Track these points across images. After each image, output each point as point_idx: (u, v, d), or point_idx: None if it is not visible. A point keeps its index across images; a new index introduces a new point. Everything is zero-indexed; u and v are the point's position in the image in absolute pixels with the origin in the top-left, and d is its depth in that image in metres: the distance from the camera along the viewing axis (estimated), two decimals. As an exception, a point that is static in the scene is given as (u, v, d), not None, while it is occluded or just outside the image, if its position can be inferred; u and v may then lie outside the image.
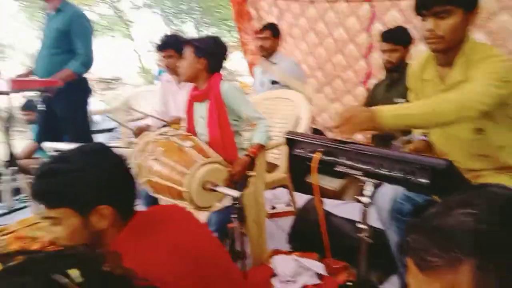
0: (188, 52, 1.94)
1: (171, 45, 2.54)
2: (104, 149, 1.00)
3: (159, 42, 2.59)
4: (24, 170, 2.71)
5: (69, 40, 2.76)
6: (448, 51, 1.31)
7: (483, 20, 2.47)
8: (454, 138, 1.40)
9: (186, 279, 0.90)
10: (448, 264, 0.48)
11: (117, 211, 0.95)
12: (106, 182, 0.94)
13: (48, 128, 2.96)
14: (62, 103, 2.79)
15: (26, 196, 2.75)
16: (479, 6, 1.27)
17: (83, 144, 1.02)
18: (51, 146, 2.10)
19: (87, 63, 2.82)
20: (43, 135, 2.95)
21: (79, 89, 2.87)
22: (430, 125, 1.28)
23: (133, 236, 0.95)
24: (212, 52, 1.94)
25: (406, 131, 1.73)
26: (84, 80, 2.93)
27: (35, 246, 2.06)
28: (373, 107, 1.18)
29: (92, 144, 1.01)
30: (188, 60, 1.94)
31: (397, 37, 2.38)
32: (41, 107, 2.87)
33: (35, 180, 0.93)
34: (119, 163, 1.00)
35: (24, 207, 2.99)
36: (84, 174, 0.91)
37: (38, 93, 2.82)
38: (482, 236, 0.47)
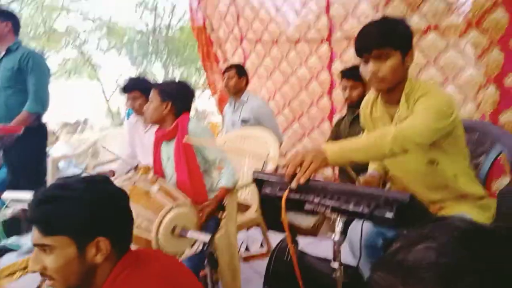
0: (153, 95, 1.95)
1: (136, 87, 2.55)
2: (106, 181, 0.99)
3: (123, 85, 2.59)
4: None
5: (22, 79, 2.67)
6: (390, 90, 1.39)
7: (432, 57, 2.65)
8: (411, 171, 1.45)
9: None
10: None
11: (113, 246, 0.93)
12: (106, 214, 0.92)
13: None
14: (17, 150, 2.65)
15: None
16: (413, 48, 1.38)
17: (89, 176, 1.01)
18: (11, 196, 2.00)
19: (42, 101, 2.70)
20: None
21: (35, 135, 2.75)
22: (374, 157, 1.33)
23: (126, 269, 0.93)
24: (177, 96, 1.94)
25: (364, 167, 1.78)
26: (42, 126, 2.83)
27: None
28: (322, 145, 1.23)
29: (95, 175, 1.01)
30: (154, 104, 1.93)
31: (356, 74, 2.46)
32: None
33: (33, 204, 0.90)
34: (120, 196, 0.98)
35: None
36: (86, 202, 0.89)
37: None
38: (445, 269, 0.48)
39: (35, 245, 0.91)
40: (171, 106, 1.93)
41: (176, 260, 1.14)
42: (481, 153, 1.68)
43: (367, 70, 1.36)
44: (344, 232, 1.16)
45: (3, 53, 2.71)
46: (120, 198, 0.98)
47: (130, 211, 1.01)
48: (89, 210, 0.89)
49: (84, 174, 1.02)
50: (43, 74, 2.75)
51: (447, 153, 1.38)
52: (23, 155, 2.70)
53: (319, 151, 1.19)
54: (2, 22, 2.67)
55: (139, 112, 2.58)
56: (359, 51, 1.36)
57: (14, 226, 2.96)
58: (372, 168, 1.67)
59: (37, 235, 0.89)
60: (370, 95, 1.57)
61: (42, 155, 2.88)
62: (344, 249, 1.21)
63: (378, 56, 1.31)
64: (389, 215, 1.03)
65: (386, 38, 1.31)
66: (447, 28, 2.56)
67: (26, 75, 2.66)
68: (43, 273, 0.91)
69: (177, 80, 2.11)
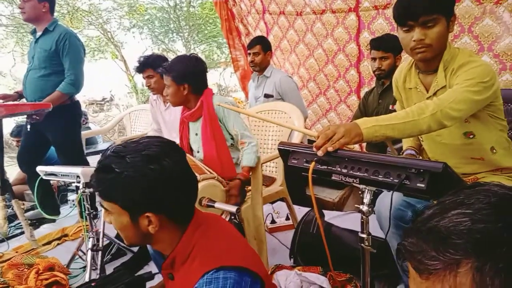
0: (168, 81, 1.92)
1: (149, 65, 2.55)
2: (164, 155, 0.94)
3: (136, 64, 2.60)
4: (17, 196, 2.68)
5: (58, 60, 2.70)
6: (433, 58, 1.33)
7: (466, 25, 2.52)
8: (446, 145, 1.40)
9: (258, 262, 1.00)
10: (447, 267, 0.47)
11: (169, 218, 0.95)
12: (157, 192, 0.92)
13: (32, 151, 2.92)
14: (53, 128, 2.75)
15: (20, 223, 2.70)
16: (455, 14, 1.32)
17: (152, 140, 0.97)
18: (44, 170, 2.07)
19: (77, 83, 2.73)
20: (25, 158, 2.92)
21: (70, 112, 2.83)
22: (410, 134, 1.29)
23: (197, 231, 0.98)
24: (190, 75, 1.90)
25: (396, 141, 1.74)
26: (76, 103, 2.89)
27: (31, 273, 2.01)
28: (355, 121, 1.18)
29: (160, 147, 0.94)
30: (172, 89, 1.92)
31: (386, 44, 2.39)
32: (27, 130, 2.79)
33: (95, 170, 0.96)
34: (174, 173, 0.94)
35: (19, 233, 2.94)
36: (136, 181, 0.90)
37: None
38: (479, 236, 0.46)
39: (101, 205, 0.98)
40: (188, 86, 1.91)
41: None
42: (520, 124, 1.60)
43: (409, 38, 1.29)
44: (372, 203, 1.15)
45: (40, 33, 2.74)
46: (173, 176, 0.94)
47: (190, 181, 1.00)
48: (140, 189, 0.90)
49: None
50: (79, 55, 2.76)
51: (484, 124, 1.32)
52: (60, 132, 2.80)
53: (353, 126, 1.15)
54: (40, 3, 2.68)
55: (156, 90, 2.60)
56: (403, 19, 1.29)
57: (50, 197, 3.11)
58: (407, 144, 1.62)
59: (99, 197, 0.97)
60: (403, 65, 1.51)
61: (77, 132, 2.97)
62: (372, 221, 1.20)
63: (424, 23, 1.26)
64: (421, 185, 1.01)
65: (434, 4, 1.25)
66: (483, -6, 2.42)
67: (62, 56, 2.69)
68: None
69: (187, 55, 2.02)
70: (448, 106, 1.18)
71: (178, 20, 11.02)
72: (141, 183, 0.90)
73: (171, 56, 10.68)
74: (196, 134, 2.01)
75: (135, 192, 0.90)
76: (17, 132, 3.83)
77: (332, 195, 3.08)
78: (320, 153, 1.13)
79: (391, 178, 1.06)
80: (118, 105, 11.28)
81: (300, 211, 2.43)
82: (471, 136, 1.34)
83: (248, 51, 3.17)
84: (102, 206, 0.97)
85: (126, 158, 0.92)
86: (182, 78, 1.89)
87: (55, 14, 2.89)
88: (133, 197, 0.91)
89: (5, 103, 2.69)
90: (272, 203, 2.68)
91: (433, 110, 1.17)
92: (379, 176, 1.08)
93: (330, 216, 2.64)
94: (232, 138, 1.99)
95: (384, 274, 1.71)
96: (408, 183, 1.02)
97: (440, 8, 1.26)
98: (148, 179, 0.90)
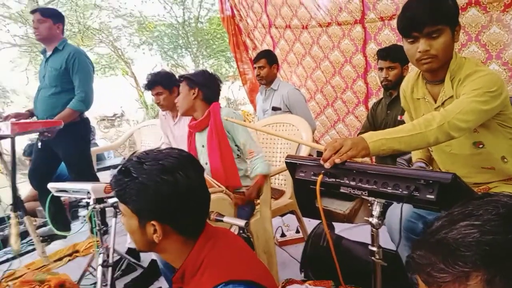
0: (182, 86, 2.01)
1: (158, 83, 2.58)
2: (181, 168, 0.95)
3: (145, 82, 2.64)
4: (29, 213, 2.71)
5: (68, 78, 2.76)
6: (439, 69, 1.32)
7: (473, 34, 2.51)
8: (456, 155, 1.38)
9: (267, 276, 1.00)
10: (456, 279, 0.46)
11: (175, 230, 0.97)
12: (166, 203, 0.93)
13: (43, 168, 2.96)
14: (63, 144, 2.79)
15: (32, 239, 2.73)
16: (460, 24, 1.31)
17: (172, 152, 0.99)
18: (55, 186, 2.10)
19: (86, 100, 2.79)
20: (36, 174, 2.96)
21: (80, 129, 2.88)
22: (417, 147, 1.27)
23: (207, 245, 0.99)
24: (203, 83, 1.98)
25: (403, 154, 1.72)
26: (85, 120, 2.94)
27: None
28: (362, 135, 1.17)
29: (177, 160, 0.96)
30: (183, 93, 1.99)
31: (393, 54, 2.39)
32: (38, 148, 2.85)
33: (116, 171, 1.00)
34: (187, 187, 0.95)
35: (31, 250, 2.97)
36: (149, 188, 0.92)
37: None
38: (488, 248, 0.45)
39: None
40: (198, 92, 1.97)
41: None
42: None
43: (414, 49, 1.29)
44: (382, 216, 1.13)
45: (50, 52, 2.82)
46: (184, 189, 0.94)
47: (201, 201, 1.01)
48: (150, 196, 0.92)
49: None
50: (88, 73, 2.83)
51: (494, 134, 1.30)
52: (70, 149, 2.84)
53: (360, 140, 1.14)
54: (55, 24, 2.77)
55: (165, 106, 2.63)
56: (408, 30, 1.29)
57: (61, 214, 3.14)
58: (417, 156, 1.61)
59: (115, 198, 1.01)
60: (410, 75, 1.50)
61: (87, 148, 3.01)
62: (383, 234, 1.18)
63: (429, 33, 1.25)
64: (430, 196, 0.99)
65: (438, 14, 1.24)
66: (489, 2, 2.41)
67: (72, 74, 2.76)
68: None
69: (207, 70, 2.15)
70: (456, 117, 1.16)
71: (186, 36, 11.21)
72: (151, 190, 0.92)
73: (180, 71, 10.83)
74: (203, 146, 2.03)
75: (145, 198, 0.93)
76: (30, 151, 3.88)
77: (342, 207, 3.04)
78: (327, 165, 1.13)
79: (400, 190, 1.04)
80: (129, 120, 11.43)
81: (311, 224, 2.41)
82: (481, 146, 1.32)
83: (254, 65, 3.21)
84: (116, 207, 1.02)
85: (144, 164, 0.95)
86: (195, 82, 1.98)
87: (67, 33, 2.97)
88: (142, 203, 0.93)
89: (17, 121, 2.75)
90: (281, 216, 2.66)
91: (440, 122, 1.15)
92: (388, 188, 1.06)
93: (341, 228, 2.61)
94: (239, 150, 2.00)
95: (396, 287, 1.67)
96: (418, 194, 1.01)
97: (444, 18, 1.25)
98: (158, 188, 0.92)
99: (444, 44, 1.26)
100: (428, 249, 0.50)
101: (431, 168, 1.57)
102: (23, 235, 3.05)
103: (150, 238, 0.96)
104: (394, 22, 2.89)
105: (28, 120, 2.87)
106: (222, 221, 1.58)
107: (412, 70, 2.39)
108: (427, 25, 1.24)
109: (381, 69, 2.46)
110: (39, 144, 2.78)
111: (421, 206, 1.06)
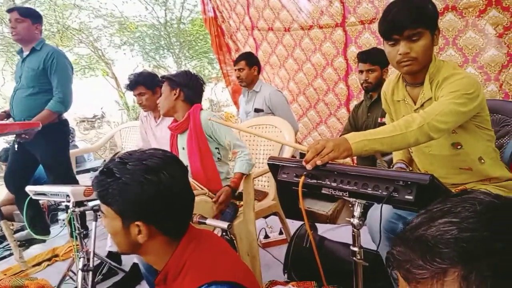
0: (164, 86, 1.99)
1: (140, 83, 2.56)
2: (165, 167, 0.95)
3: (127, 82, 2.61)
4: (6, 217, 2.63)
5: (46, 79, 2.69)
6: (419, 71, 1.35)
7: (450, 38, 2.58)
8: (435, 156, 1.42)
9: (250, 278, 0.99)
10: (434, 275, 0.47)
11: (160, 231, 0.95)
12: (150, 204, 0.92)
13: (20, 171, 2.88)
14: (41, 147, 2.71)
15: (9, 244, 2.65)
16: (439, 27, 1.35)
17: (156, 152, 0.98)
18: (33, 189, 2.05)
19: (65, 101, 2.72)
20: (12, 178, 2.88)
21: (58, 131, 2.80)
22: (398, 147, 1.29)
23: (189, 246, 0.98)
24: (185, 83, 1.97)
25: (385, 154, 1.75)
26: (64, 122, 2.87)
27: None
28: (344, 135, 1.19)
29: (161, 160, 0.96)
30: (164, 93, 1.98)
31: (373, 57, 2.44)
32: (14, 150, 2.77)
33: (98, 172, 0.98)
34: (172, 188, 0.94)
35: (8, 255, 2.88)
36: (133, 189, 0.91)
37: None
38: (466, 244, 0.46)
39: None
40: (180, 92, 1.96)
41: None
42: (505, 134, 1.63)
43: (395, 52, 1.32)
44: (363, 216, 1.15)
45: (27, 52, 2.74)
46: (168, 189, 0.94)
47: (185, 202, 1.00)
48: (134, 196, 0.91)
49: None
50: (67, 74, 2.76)
51: (471, 135, 1.34)
52: (49, 151, 2.76)
53: (342, 141, 1.15)
54: (33, 24, 2.70)
55: (147, 107, 2.61)
56: (389, 33, 1.32)
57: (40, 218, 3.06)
58: (397, 158, 1.64)
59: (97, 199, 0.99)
60: (391, 78, 1.53)
61: (66, 150, 2.94)
62: (364, 234, 1.20)
63: (409, 36, 1.28)
64: (409, 197, 1.01)
65: (419, 18, 1.27)
66: (465, 7, 2.48)
67: (50, 75, 2.69)
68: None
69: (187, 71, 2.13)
70: (435, 119, 1.19)
71: (168, 37, 11.10)
72: (135, 191, 0.91)
73: (162, 72, 10.72)
74: (183, 148, 2.02)
75: (129, 198, 0.92)
76: (6, 156, 3.76)
77: (325, 208, 3.07)
78: (309, 166, 1.14)
79: (380, 190, 1.06)
80: (110, 122, 11.23)
81: (294, 225, 2.42)
82: (459, 147, 1.36)
83: (234, 67, 3.21)
84: (100, 209, 0.99)
85: (127, 164, 0.94)
86: (176, 83, 1.96)
87: (45, 33, 2.91)
88: (126, 203, 0.92)
89: (-7, 123, 2.67)
90: (265, 217, 2.67)
91: (420, 123, 1.18)
92: (368, 189, 1.08)
93: (324, 229, 2.63)
94: (219, 153, 2.00)
95: (378, 286, 1.70)
96: (397, 195, 1.03)
97: (424, 22, 1.28)
98: (142, 188, 0.91)
99: (424, 47, 1.29)
100: (407, 246, 0.51)
101: (411, 169, 1.61)
102: (0, 239, 2.97)
103: (134, 239, 0.95)
104: (374, 26, 2.94)
105: (4, 122, 2.79)
106: (205, 223, 1.57)
107: (392, 73, 2.44)
108: (407, 28, 1.27)
109: (361, 71, 2.50)
110: (16, 146, 2.70)
111: (400, 206, 1.08)
